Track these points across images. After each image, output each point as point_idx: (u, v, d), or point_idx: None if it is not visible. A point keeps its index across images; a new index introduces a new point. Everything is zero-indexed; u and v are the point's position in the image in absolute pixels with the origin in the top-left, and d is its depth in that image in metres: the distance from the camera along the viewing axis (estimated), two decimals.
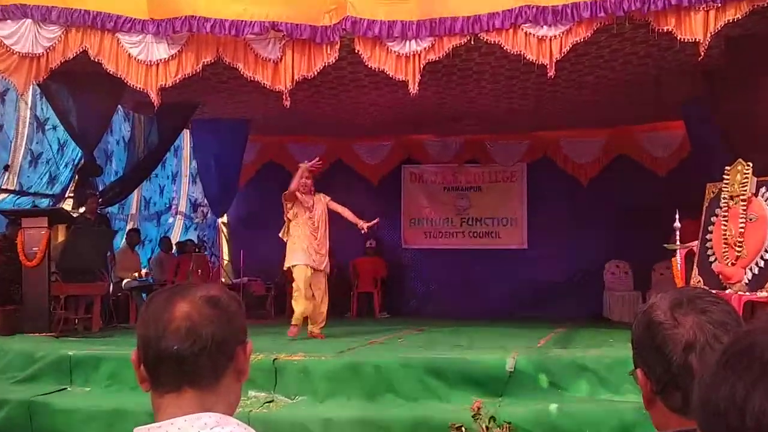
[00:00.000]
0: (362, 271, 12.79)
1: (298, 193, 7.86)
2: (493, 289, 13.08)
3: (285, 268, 8.03)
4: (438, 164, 13.57)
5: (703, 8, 6.58)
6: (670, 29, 6.71)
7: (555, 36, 6.93)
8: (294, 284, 7.88)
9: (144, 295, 11.13)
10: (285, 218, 7.97)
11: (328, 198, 8.14)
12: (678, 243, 7.22)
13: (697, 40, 6.64)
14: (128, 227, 11.77)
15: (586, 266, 12.91)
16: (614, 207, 12.60)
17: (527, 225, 13.35)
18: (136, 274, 10.90)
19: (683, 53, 7.93)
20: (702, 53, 6.65)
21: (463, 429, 4.87)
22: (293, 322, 7.83)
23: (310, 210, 7.89)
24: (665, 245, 7.50)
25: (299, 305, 7.76)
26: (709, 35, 6.59)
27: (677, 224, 7.21)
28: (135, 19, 7.41)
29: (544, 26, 6.91)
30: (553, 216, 12.97)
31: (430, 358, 5.75)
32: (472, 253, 13.43)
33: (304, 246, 7.81)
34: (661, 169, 12.40)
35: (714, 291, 6.88)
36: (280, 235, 8.03)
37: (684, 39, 6.70)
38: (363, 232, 8.21)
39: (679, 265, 7.17)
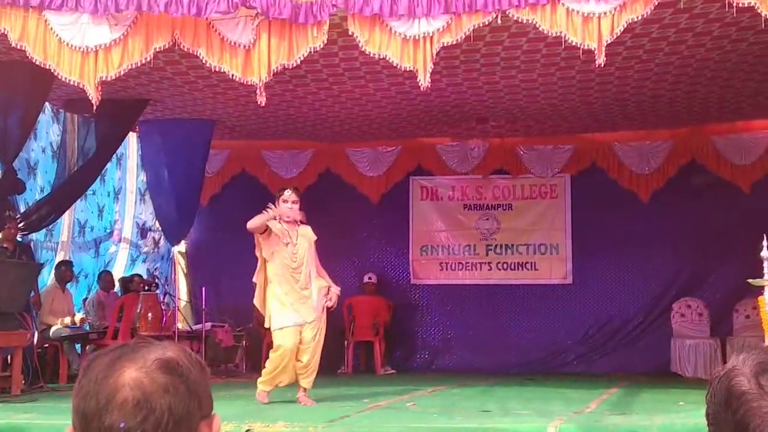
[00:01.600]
0: (359, 314, 12.80)
1: (276, 224, 7.83)
2: (528, 336, 13.08)
3: (266, 327, 8.06)
4: (456, 176, 13.62)
5: None
6: (752, 3, 6.74)
7: (605, 13, 6.97)
8: (275, 346, 7.88)
9: (78, 347, 11.13)
10: (256, 255, 7.96)
11: (314, 238, 8.05)
12: (766, 277, 7.21)
13: None
14: (57, 259, 11.78)
15: (648, 306, 12.92)
16: (684, 230, 12.62)
17: (572, 253, 13.36)
18: (68, 320, 10.89)
19: None
20: None
21: None
22: (262, 386, 7.85)
23: (293, 245, 7.88)
24: (749, 280, 7.49)
25: (274, 372, 7.81)
26: None
27: (765, 253, 7.21)
28: None
29: (591, 0, 6.95)
30: (605, 242, 12.99)
31: (448, 428, 5.74)
32: (502, 289, 13.45)
33: (290, 299, 7.82)
34: (743, 181, 12.43)
35: None
36: (254, 279, 8.04)
37: None
38: (328, 304, 8.10)
39: (767, 306, 7.16)
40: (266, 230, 7.81)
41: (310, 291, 7.91)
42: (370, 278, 13.21)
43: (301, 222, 8.02)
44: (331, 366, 12.67)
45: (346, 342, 12.73)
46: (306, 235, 7.97)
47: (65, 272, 11.32)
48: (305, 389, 7.89)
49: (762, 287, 7.27)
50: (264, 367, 8.01)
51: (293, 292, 7.83)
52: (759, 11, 6.75)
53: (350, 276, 13.52)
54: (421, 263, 13.80)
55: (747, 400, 1.36)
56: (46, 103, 10.44)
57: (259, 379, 7.92)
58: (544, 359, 13.03)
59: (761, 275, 7.25)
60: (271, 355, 7.87)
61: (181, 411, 1.41)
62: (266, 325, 8.05)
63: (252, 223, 7.79)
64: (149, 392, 1.40)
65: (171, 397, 1.41)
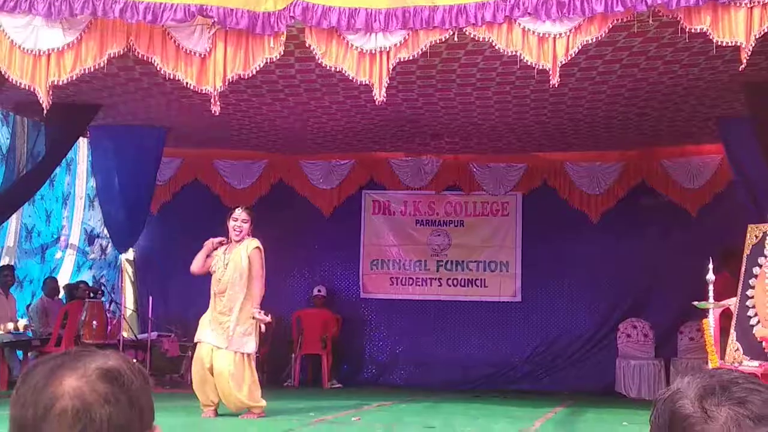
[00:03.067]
0: (307, 327, 12.75)
1: (224, 249, 7.95)
2: (476, 353, 13.12)
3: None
4: (409, 191, 13.64)
5: (746, 4, 6.74)
6: (704, 29, 6.85)
7: (560, 34, 7.03)
8: None
9: (19, 353, 10.96)
10: None
11: (254, 245, 7.96)
12: (711, 300, 7.30)
13: (738, 43, 6.79)
14: (1, 264, 11.61)
15: (595, 326, 13.03)
16: (632, 251, 12.75)
17: (521, 271, 13.43)
18: (11, 326, 10.72)
19: (721, 59, 8.09)
20: (743, 60, 6.79)
21: None
22: (201, 404, 7.91)
23: (223, 268, 7.91)
24: (695, 303, 7.57)
25: (197, 388, 7.94)
26: (753, 38, 6.74)
27: (710, 276, 7.30)
28: None
29: (547, 21, 7.01)
30: (555, 261, 13.08)
31: None
32: (451, 306, 13.48)
33: (209, 319, 7.93)
34: (691, 204, 12.60)
35: (757, 363, 6.98)
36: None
37: (722, 42, 6.85)
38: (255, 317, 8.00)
39: (711, 329, 7.25)
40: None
41: (230, 319, 7.81)
42: (319, 291, 13.17)
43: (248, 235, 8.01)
44: (277, 378, 12.64)
45: (293, 355, 12.68)
46: (239, 255, 7.91)
47: (7, 277, 11.18)
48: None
49: (706, 310, 7.36)
50: None
51: (213, 313, 7.91)
52: (711, 38, 6.86)
53: (300, 288, 13.49)
54: (371, 277, 13.78)
55: (690, 423, 1.36)
56: None
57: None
58: (491, 376, 13.07)
59: (706, 298, 7.33)
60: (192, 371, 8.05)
61: (121, 422, 1.40)
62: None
63: (194, 266, 8.01)
64: (89, 402, 1.38)
65: (111, 407, 1.39)
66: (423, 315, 13.47)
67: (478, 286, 13.58)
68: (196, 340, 8.02)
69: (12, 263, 11.76)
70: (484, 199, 13.59)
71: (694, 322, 11.21)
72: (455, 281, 13.65)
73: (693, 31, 6.93)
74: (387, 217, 13.86)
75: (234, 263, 7.85)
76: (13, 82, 7.58)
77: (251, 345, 7.85)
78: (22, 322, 10.98)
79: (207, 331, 7.86)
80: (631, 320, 12.67)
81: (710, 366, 6.99)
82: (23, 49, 7.40)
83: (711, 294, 7.28)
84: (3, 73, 7.53)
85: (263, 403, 7.77)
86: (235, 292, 7.84)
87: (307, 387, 12.37)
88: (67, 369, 1.42)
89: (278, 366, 12.85)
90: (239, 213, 7.97)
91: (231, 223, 7.92)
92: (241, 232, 7.89)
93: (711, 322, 7.23)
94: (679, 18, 6.91)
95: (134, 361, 1.52)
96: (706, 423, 1.36)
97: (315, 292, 13.17)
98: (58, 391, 1.39)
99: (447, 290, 13.61)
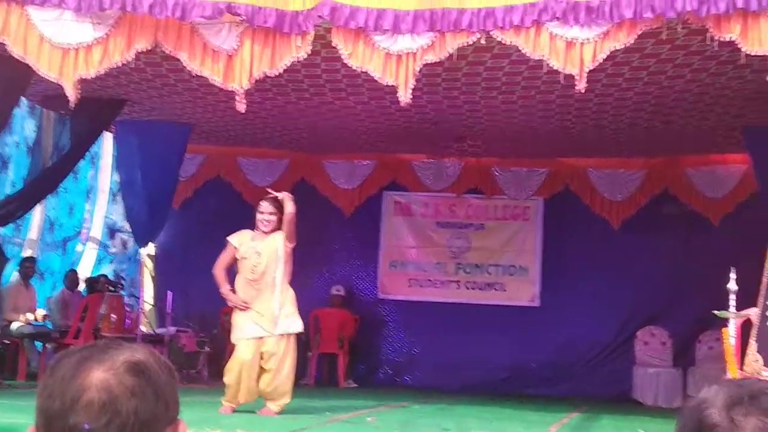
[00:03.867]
0: (325, 326, 12.76)
1: (244, 243, 7.87)
2: (493, 356, 13.08)
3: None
4: (430, 193, 13.64)
5: None
6: (733, 38, 6.82)
7: (588, 39, 7.01)
8: (231, 360, 7.88)
9: (38, 345, 11.02)
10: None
11: (282, 239, 7.96)
12: (732, 310, 7.27)
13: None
14: (23, 256, 11.67)
15: (613, 333, 12.98)
16: (652, 258, 12.71)
17: (541, 276, 13.41)
18: (31, 316, 10.79)
19: (749, 69, 8.05)
20: None
21: None
22: (225, 400, 7.83)
23: (256, 254, 7.85)
24: (715, 311, 7.54)
25: (229, 387, 7.80)
26: None
27: (732, 286, 7.26)
28: None
29: (575, 26, 6.99)
30: (575, 266, 13.06)
31: None
32: (469, 308, 13.45)
33: (250, 312, 7.80)
34: (714, 213, 12.54)
35: None
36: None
37: (751, 52, 6.81)
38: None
39: (732, 338, 7.21)
40: (235, 251, 7.90)
41: (273, 307, 7.80)
42: (338, 290, 13.18)
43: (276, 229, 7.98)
44: (294, 376, 12.64)
45: (309, 353, 12.68)
46: (274, 244, 7.89)
47: (28, 268, 11.24)
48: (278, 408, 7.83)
49: (727, 319, 7.32)
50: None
51: (254, 304, 7.80)
52: (739, 46, 6.82)
53: (318, 287, 13.48)
54: (390, 278, 13.79)
55: None
56: (22, 98, 10.36)
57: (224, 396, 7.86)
58: (507, 380, 13.04)
59: (727, 307, 7.30)
60: (226, 368, 7.85)
61: (147, 415, 1.40)
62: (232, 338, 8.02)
63: (216, 272, 7.93)
64: (116, 394, 1.39)
65: (138, 400, 1.40)
66: (441, 317, 13.45)
67: (496, 290, 13.56)
68: (236, 339, 7.83)
69: (34, 255, 11.83)
70: (506, 203, 13.57)
71: (713, 331, 11.15)
72: (474, 284, 13.63)
73: (722, 39, 6.90)
74: (407, 218, 13.86)
75: (269, 251, 7.83)
76: (41, 75, 7.63)
77: (298, 324, 7.91)
78: (40, 312, 11.06)
79: (248, 327, 7.75)
80: (649, 328, 12.62)
81: (728, 375, 6.95)
82: (52, 42, 7.44)
83: (732, 303, 7.25)
84: (32, 65, 7.57)
85: (289, 399, 7.81)
86: (273, 277, 7.82)
87: (323, 386, 12.38)
88: (94, 361, 1.42)
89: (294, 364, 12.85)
90: (265, 206, 7.93)
91: (258, 216, 7.90)
92: (269, 223, 7.89)
93: (731, 332, 7.19)
94: (708, 26, 6.87)
95: (161, 355, 1.52)
96: None
97: (333, 291, 13.17)
98: (86, 383, 1.39)
99: (465, 293, 13.59)
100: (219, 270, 7.94)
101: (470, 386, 12.46)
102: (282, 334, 7.77)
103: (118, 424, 1.37)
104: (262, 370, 7.71)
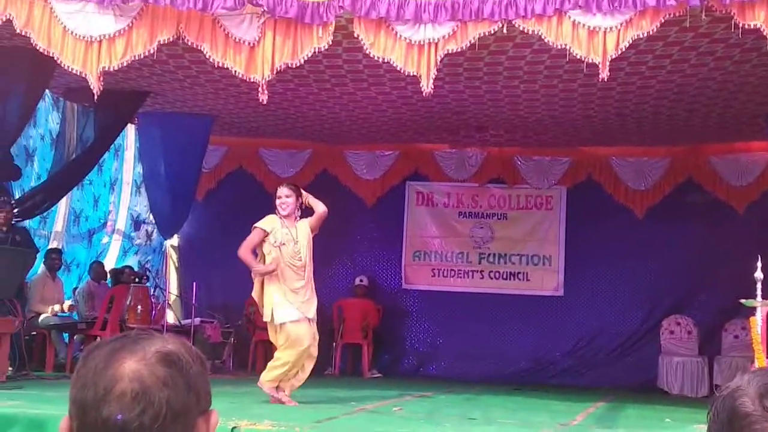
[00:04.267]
0: (349, 317, 12.79)
1: (278, 227, 7.86)
2: (517, 346, 13.08)
3: (267, 321, 7.93)
4: (453, 183, 13.62)
5: None
6: (758, 25, 6.77)
7: (611, 28, 6.98)
8: (286, 343, 7.72)
9: (65, 336, 11.09)
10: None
11: (310, 225, 8.00)
12: (759, 298, 7.22)
13: None
14: (49, 247, 11.75)
15: (638, 322, 12.94)
16: (677, 248, 12.65)
17: (564, 266, 13.37)
18: (57, 308, 10.86)
19: None
20: None
21: None
22: (271, 383, 7.72)
23: (294, 242, 7.82)
24: (741, 300, 7.50)
25: (286, 368, 7.70)
26: None
27: (759, 274, 7.22)
28: None
29: (598, 14, 6.96)
30: (598, 255, 13.01)
31: None
32: (493, 298, 13.44)
33: (294, 296, 7.76)
34: (738, 202, 12.47)
35: None
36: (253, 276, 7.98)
37: None
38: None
39: (759, 327, 7.17)
40: (265, 236, 7.82)
41: (312, 296, 7.90)
42: (361, 281, 13.20)
43: (300, 217, 7.99)
44: (318, 367, 12.65)
45: (334, 344, 12.71)
46: (305, 231, 7.91)
47: (55, 260, 11.30)
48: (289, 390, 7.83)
49: (753, 308, 7.28)
50: (255, 361, 7.92)
51: (289, 289, 7.76)
52: (765, 34, 6.77)
53: (342, 278, 13.52)
54: (413, 268, 13.79)
55: (751, 422, 1.35)
56: (47, 91, 10.43)
57: (267, 376, 7.74)
58: (532, 370, 13.03)
59: (753, 296, 7.26)
60: (286, 350, 7.69)
61: (179, 405, 1.41)
62: (265, 319, 7.89)
63: (243, 255, 7.83)
64: (148, 385, 1.39)
65: (170, 390, 1.40)
66: (464, 307, 13.44)
67: (520, 280, 13.53)
68: (290, 319, 7.67)
69: (60, 247, 11.91)
70: (528, 193, 13.53)
71: (740, 320, 11.10)
72: (497, 274, 13.61)
73: (746, 27, 6.84)
74: (430, 208, 13.85)
75: (304, 239, 7.85)
76: (65, 67, 7.67)
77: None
78: (67, 303, 11.14)
79: (298, 307, 7.74)
80: (674, 317, 12.56)
81: (756, 365, 6.91)
82: (75, 35, 7.48)
83: (759, 291, 7.20)
84: (55, 58, 7.61)
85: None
86: (311, 267, 7.89)
87: (347, 376, 12.40)
88: (126, 352, 1.43)
89: (319, 355, 12.88)
90: (282, 190, 7.94)
91: (277, 201, 7.89)
92: (287, 206, 7.87)
93: (758, 320, 7.15)
94: (732, 13, 6.83)
95: (192, 345, 1.53)
96: (767, 421, 1.35)
97: (357, 281, 13.20)
98: (118, 373, 1.40)
99: (489, 283, 13.58)
100: (245, 252, 7.83)
101: (494, 376, 12.46)
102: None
103: (150, 415, 1.38)
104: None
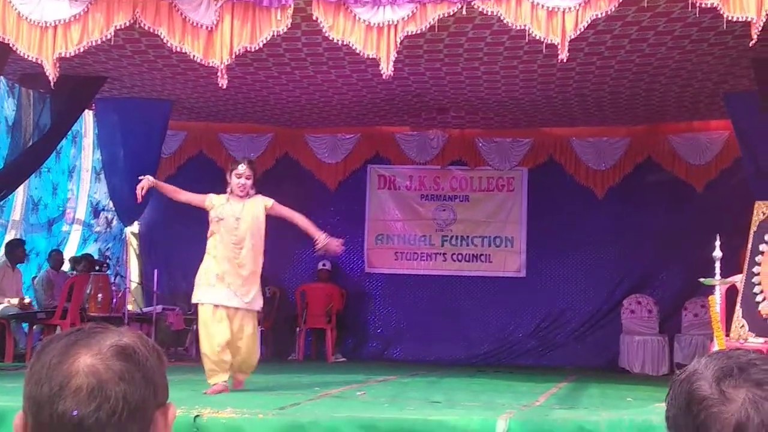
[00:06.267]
0: (312, 301, 12.78)
1: (225, 197, 7.65)
2: (480, 328, 13.14)
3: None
4: (414, 165, 13.62)
5: None
6: (714, 4, 6.81)
7: (569, 8, 6.99)
8: (202, 330, 7.45)
9: (25, 326, 10.99)
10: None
11: (271, 202, 7.74)
12: (718, 277, 7.30)
13: (749, 19, 6.74)
14: (8, 237, 11.62)
15: (599, 301, 13.04)
16: (637, 227, 12.75)
17: (526, 247, 13.44)
18: (15, 301, 10.74)
19: (731, 35, 8.04)
20: (754, 37, 6.75)
21: None
22: (210, 381, 7.36)
23: (235, 218, 7.50)
24: (700, 279, 7.57)
25: (206, 357, 7.36)
26: (764, 14, 6.70)
27: (717, 253, 7.30)
28: None
29: None
30: (560, 236, 13.09)
31: (396, 418, 5.74)
32: (455, 281, 13.49)
33: (215, 272, 7.40)
34: (697, 180, 12.58)
35: (762, 339, 6.99)
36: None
37: (732, 18, 6.81)
38: (317, 249, 8.10)
39: (717, 305, 7.25)
40: (205, 205, 7.64)
41: (252, 282, 7.57)
42: (324, 265, 13.18)
43: (253, 193, 7.69)
44: (282, 353, 12.69)
45: (297, 329, 12.71)
46: (255, 205, 7.64)
47: (17, 252, 11.18)
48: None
49: (712, 286, 7.36)
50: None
51: (228, 266, 7.45)
52: (721, 12, 6.81)
53: (304, 262, 13.50)
54: (376, 252, 13.79)
55: (707, 405, 1.36)
56: (1, 78, 10.28)
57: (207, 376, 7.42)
58: (495, 351, 13.11)
59: (712, 274, 7.33)
60: (203, 339, 7.41)
61: (136, 399, 1.40)
62: (193, 300, 7.69)
63: (183, 195, 7.84)
64: (104, 380, 1.38)
65: (126, 384, 1.39)
66: (427, 290, 13.49)
67: (482, 261, 13.59)
68: (207, 302, 7.36)
69: (18, 236, 11.77)
70: (490, 174, 13.57)
71: (699, 299, 11.24)
72: (460, 256, 13.66)
73: (703, 5, 6.88)
74: (392, 191, 13.85)
75: (252, 216, 7.54)
76: (20, 54, 7.56)
77: (261, 301, 7.75)
78: (27, 299, 11.03)
79: (221, 292, 7.36)
80: (635, 296, 12.68)
81: (715, 342, 7.00)
82: (30, 21, 7.37)
83: (717, 270, 7.28)
84: (10, 45, 7.50)
85: None
86: (257, 244, 7.55)
87: (311, 361, 12.40)
88: (81, 346, 1.42)
89: (282, 340, 12.91)
90: (243, 169, 7.59)
91: (235, 180, 7.56)
92: (244, 188, 7.57)
93: (717, 299, 7.23)
94: None
95: (148, 338, 1.52)
96: (724, 405, 1.36)
97: (320, 266, 13.17)
98: (73, 368, 1.39)
99: (451, 265, 13.62)
100: (174, 190, 7.96)
101: (458, 358, 12.54)
102: (255, 310, 7.62)
103: (107, 410, 1.37)
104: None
